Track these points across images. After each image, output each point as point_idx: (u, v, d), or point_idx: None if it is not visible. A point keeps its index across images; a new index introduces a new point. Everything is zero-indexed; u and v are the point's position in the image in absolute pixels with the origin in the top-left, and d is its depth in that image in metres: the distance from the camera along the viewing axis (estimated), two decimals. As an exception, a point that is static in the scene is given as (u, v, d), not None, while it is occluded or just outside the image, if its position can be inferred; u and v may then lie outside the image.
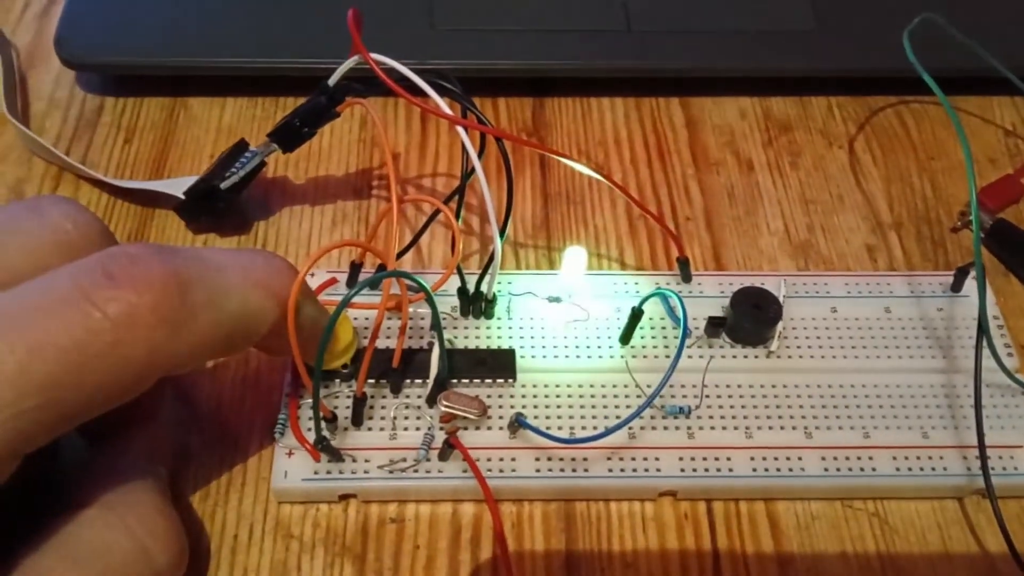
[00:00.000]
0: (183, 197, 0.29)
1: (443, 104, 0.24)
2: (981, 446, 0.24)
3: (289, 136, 0.27)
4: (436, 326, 0.24)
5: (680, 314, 0.25)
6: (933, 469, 0.25)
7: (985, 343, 0.25)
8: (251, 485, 0.25)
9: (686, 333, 0.25)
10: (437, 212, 0.27)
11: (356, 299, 0.26)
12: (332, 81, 0.26)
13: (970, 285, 0.28)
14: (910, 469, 0.25)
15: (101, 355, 0.18)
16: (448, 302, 0.27)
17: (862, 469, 0.25)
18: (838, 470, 0.25)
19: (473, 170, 0.24)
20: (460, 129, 0.24)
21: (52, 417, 0.17)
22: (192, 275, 0.19)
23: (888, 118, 0.34)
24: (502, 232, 0.25)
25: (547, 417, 0.25)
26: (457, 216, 0.25)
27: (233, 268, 0.20)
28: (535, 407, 0.25)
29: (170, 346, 0.19)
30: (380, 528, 0.24)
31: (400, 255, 0.28)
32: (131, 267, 0.18)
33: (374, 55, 0.24)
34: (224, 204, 0.29)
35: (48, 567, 0.19)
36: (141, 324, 0.18)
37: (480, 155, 0.25)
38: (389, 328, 0.27)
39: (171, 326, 0.18)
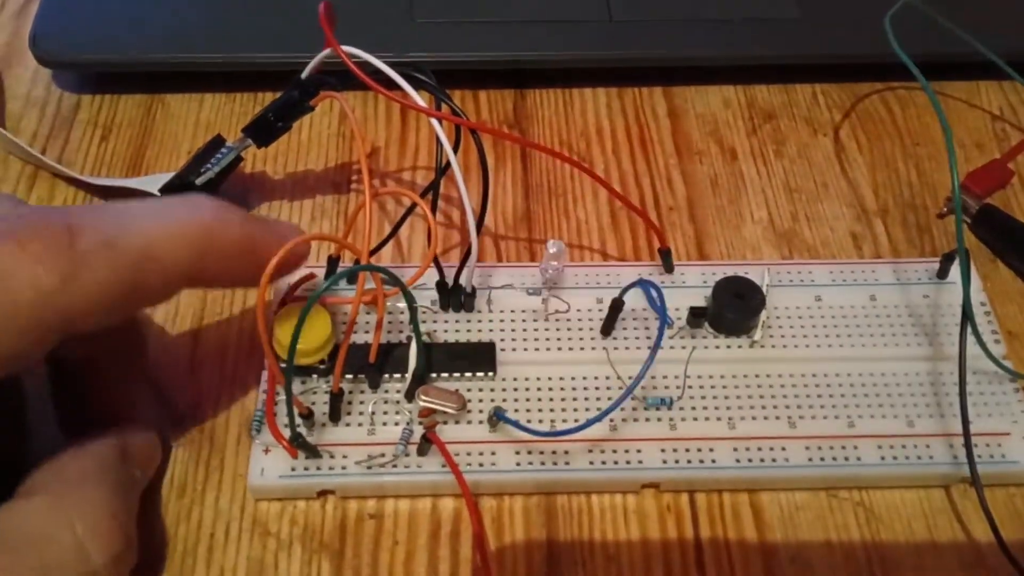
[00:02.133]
0: (158, 194, 0.28)
1: (417, 97, 0.24)
2: (966, 434, 0.24)
3: (263, 131, 0.27)
4: (413, 320, 0.24)
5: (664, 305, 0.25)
6: (919, 458, 0.24)
7: (970, 330, 0.24)
8: (228, 483, 0.25)
9: (666, 323, 0.24)
10: (414, 206, 0.27)
11: (335, 294, 0.26)
12: (305, 75, 0.26)
13: (956, 271, 0.27)
14: (895, 458, 0.24)
15: None
16: (428, 296, 0.27)
17: (847, 458, 0.24)
18: (822, 460, 0.24)
19: (448, 164, 0.24)
20: (434, 122, 0.24)
21: None
22: (84, 222, 0.19)
23: (873, 104, 0.34)
24: (479, 225, 0.25)
25: (527, 410, 0.25)
26: (433, 209, 0.24)
27: (139, 213, 0.20)
28: (515, 400, 0.25)
29: (63, 295, 0.18)
30: (358, 524, 0.24)
31: (377, 249, 0.28)
32: (18, 221, 0.18)
33: (347, 48, 0.24)
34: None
35: None
36: (25, 273, 0.18)
37: (456, 148, 0.25)
38: (368, 323, 0.26)
39: (59, 274, 0.18)
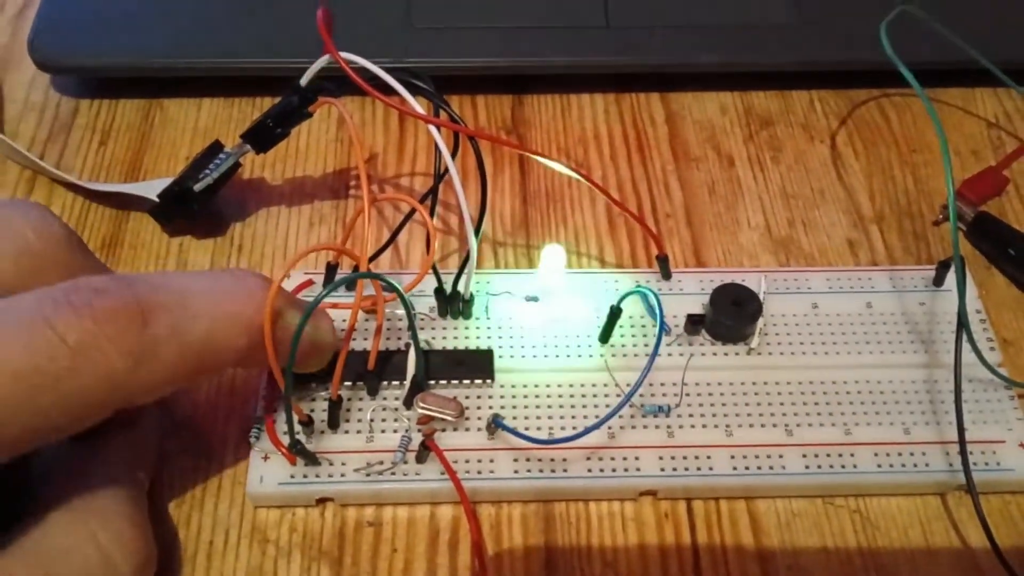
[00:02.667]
0: (157, 200, 0.28)
1: (415, 103, 0.24)
2: (962, 442, 0.24)
3: (262, 137, 0.27)
4: (411, 327, 0.24)
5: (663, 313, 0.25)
6: (915, 465, 0.25)
7: (966, 338, 0.24)
8: (227, 490, 0.25)
9: (664, 331, 0.25)
10: (413, 212, 0.27)
11: (335, 301, 0.26)
12: (304, 81, 0.26)
13: (952, 279, 0.28)
14: (891, 466, 0.24)
15: (58, 381, 0.18)
16: (427, 302, 0.27)
17: (843, 466, 0.24)
18: (819, 467, 0.24)
19: (447, 170, 0.24)
20: (432, 128, 0.24)
21: (7, 437, 0.18)
22: (156, 305, 0.19)
23: (870, 111, 0.34)
24: (477, 231, 0.25)
25: (526, 418, 0.25)
26: (431, 215, 0.25)
27: (200, 295, 0.20)
28: (514, 407, 0.25)
29: (131, 377, 0.19)
30: (357, 532, 0.24)
31: (376, 255, 0.28)
32: (94, 297, 0.18)
33: (346, 54, 0.24)
34: (198, 206, 0.28)
35: (9, 568, 0.19)
36: (100, 353, 0.18)
37: (455, 154, 0.25)
38: (367, 330, 0.26)
39: (132, 357, 0.19)
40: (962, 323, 0.24)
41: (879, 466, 0.24)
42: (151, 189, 0.29)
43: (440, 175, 0.25)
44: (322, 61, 0.25)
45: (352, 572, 0.23)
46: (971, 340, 0.25)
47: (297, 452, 0.23)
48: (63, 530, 0.20)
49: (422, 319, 0.26)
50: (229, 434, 0.25)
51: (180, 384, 0.20)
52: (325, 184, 0.31)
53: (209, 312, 0.20)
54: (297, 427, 0.24)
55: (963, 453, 0.24)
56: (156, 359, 0.19)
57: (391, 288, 0.23)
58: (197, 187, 0.28)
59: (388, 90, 0.24)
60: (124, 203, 0.30)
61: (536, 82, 0.34)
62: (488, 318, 0.27)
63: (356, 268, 0.25)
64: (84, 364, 0.18)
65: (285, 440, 0.23)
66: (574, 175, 0.25)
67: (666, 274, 0.28)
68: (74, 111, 0.33)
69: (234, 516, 0.24)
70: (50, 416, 0.18)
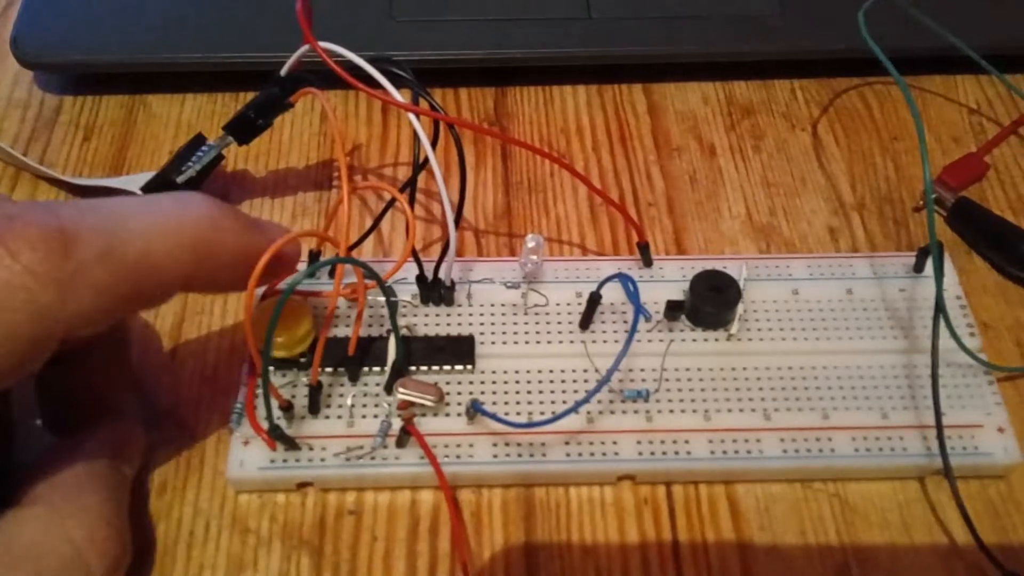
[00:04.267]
0: (140, 193, 0.29)
1: (396, 92, 0.24)
2: (939, 426, 0.24)
3: (244, 128, 0.27)
4: (391, 313, 0.24)
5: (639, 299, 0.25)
6: (892, 450, 0.25)
7: (944, 324, 0.25)
8: (208, 480, 0.25)
9: (639, 316, 0.25)
10: (393, 200, 0.27)
11: (317, 289, 0.26)
12: (284, 71, 0.26)
13: (932, 265, 0.28)
14: (869, 450, 0.25)
15: None
16: (409, 290, 0.27)
17: (821, 450, 0.24)
18: (797, 451, 0.24)
19: (427, 159, 0.24)
20: (411, 116, 0.24)
21: None
22: (80, 228, 0.18)
23: (851, 100, 0.34)
24: (457, 219, 0.25)
25: (506, 403, 0.25)
26: (411, 203, 0.25)
27: (134, 215, 0.19)
28: (494, 393, 0.25)
29: (61, 308, 0.18)
30: (338, 520, 0.24)
31: (357, 244, 0.28)
32: (8, 226, 0.17)
33: (325, 44, 0.24)
34: (181, 198, 0.28)
35: None
36: (19, 287, 0.17)
37: (435, 143, 0.25)
38: (349, 317, 0.26)
39: (57, 286, 0.17)
40: (940, 309, 0.24)
41: (857, 450, 0.25)
42: (134, 183, 0.29)
43: (420, 164, 0.25)
44: (302, 50, 0.25)
45: (332, 561, 0.23)
46: (949, 326, 0.25)
47: (276, 436, 0.23)
48: (39, 526, 0.20)
49: (404, 306, 0.27)
50: (211, 425, 0.26)
51: (119, 311, 0.19)
52: (308, 177, 0.31)
53: (144, 231, 0.19)
54: (277, 412, 0.24)
55: (940, 438, 0.24)
56: (86, 286, 0.18)
57: (371, 274, 0.23)
58: (180, 179, 0.28)
59: (369, 81, 0.24)
60: (108, 196, 0.30)
61: (518, 74, 0.34)
62: (470, 305, 0.27)
63: (337, 255, 0.25)
64: (7, 301, 0.17)
65: (265, 425, 0.23)
66: (556, 164, 0.26)
67: (647, 261, 0.28)
68: (57, 108, 0.33)
69: (215, 506, 0.24)
70: None
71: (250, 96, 0.32)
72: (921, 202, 0.31)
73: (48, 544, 0.19)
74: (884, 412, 0.25)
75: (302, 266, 0.27)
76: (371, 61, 0.24)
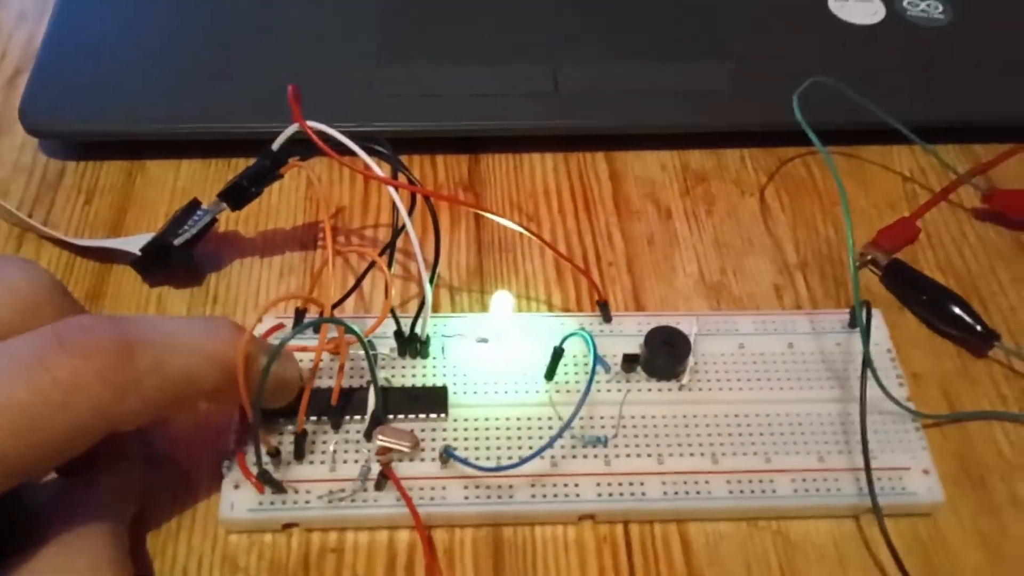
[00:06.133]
0: (139, 254, 0.31)
1: (377, 167, 0.26)
2: (867, 468, 0.26)
3: (237, 195, 0.30)
4: (369, 366, 0.26)
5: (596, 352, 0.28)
6: (828, 490, 0.27)
7: (871, 374, 0.27)
8: (200, 522, 0.27)
9: (596, 367, 0.27)
10: (373, 263, 0.29)
11: (303, 344, 0.28)
12: (275, 146, 0.28)
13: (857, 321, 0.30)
14: (807, 490, 0.27)
15: (50, 416, 0.20)
16: (388, 343, 0.29)
17: (764, 491, 0.27)
18: (742, 492, 0.27)
19: (404, 226, 0.27)
20: (391, 189, 0.26)
21: (2, 472, 0.19)
22: (138, 341, 0.21)
23: (796, 168, 0.37)
24: (431, 278, 0.27)
25: (476, 448, 0.27)
26: (389, 266, 0.27)
27: (179, 334, 0.22)
28: (466, 439, 0.27)
29: (115, 407, 0.21)
30: (320, 558, 0.26)
31: (340, 302, 0.30)
32: (81, 334, 0.20)
33: (313, 123, 0.27)
34: (177, 259, 0.31)
35: None
36: (87, 387, 0.20)
37: (412, 211, 0.27)
38: (332, 369, 0.29)
39: (116, 389, 0.20)
40: (866, 362, 0.27)
41: (796, 491, 0.27)
42: (134, 244, 0.31)
43: (398, 230, 0.27)
44: (292, 128, 0.27)
45: (316, 594, 0.25)
46: (876, 377, 0.27)
47: (265, 481, 0.25)
48: (50, 567, 0.22)
49: (383, 359, 0.29)
50: (203, 470, 0.27)
51: (159, 414, 0.22)
52: (295, 238, 0.34)
53: (187, 349, 0.22)
54: (265, 458, 0.26)
55: (869, 479, 0.26)
56: (139, 391, 0.21)
57: (351, 332, 0.25)
58: (177, 242, 0.30)
59: (354, 153, 0.27)
60: (107, 257, 0.32)
61: (491, 143, 0.37)
62: (444, 358, 0.29)
63: (322, 314, 0.28)
64: (74, 398, 0.20)
65: (254, 470, 0.26)
66: (521, 230, 0.28)
67: (607, 317, 0.30)
68: (61, 172, 0.35)
69: (207, 545, 0.26)
70: (44, 447, 0.20)
71: (242, 163, 0.35)
72: (858, 262, 0.33)
73: None
74: (821, 456, 0.28)
75: (286, 320, 0.29)
76: (355, 139, 0.27)
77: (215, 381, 0.23)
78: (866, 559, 0.27)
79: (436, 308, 0.32)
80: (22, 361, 0.20)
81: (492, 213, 0.28)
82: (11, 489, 0.20)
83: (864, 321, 0.28)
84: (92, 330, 0.21)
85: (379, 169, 0.26)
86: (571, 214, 0.35)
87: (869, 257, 0.34)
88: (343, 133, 0.26)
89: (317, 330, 0.29)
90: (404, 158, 0.28)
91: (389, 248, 0.27)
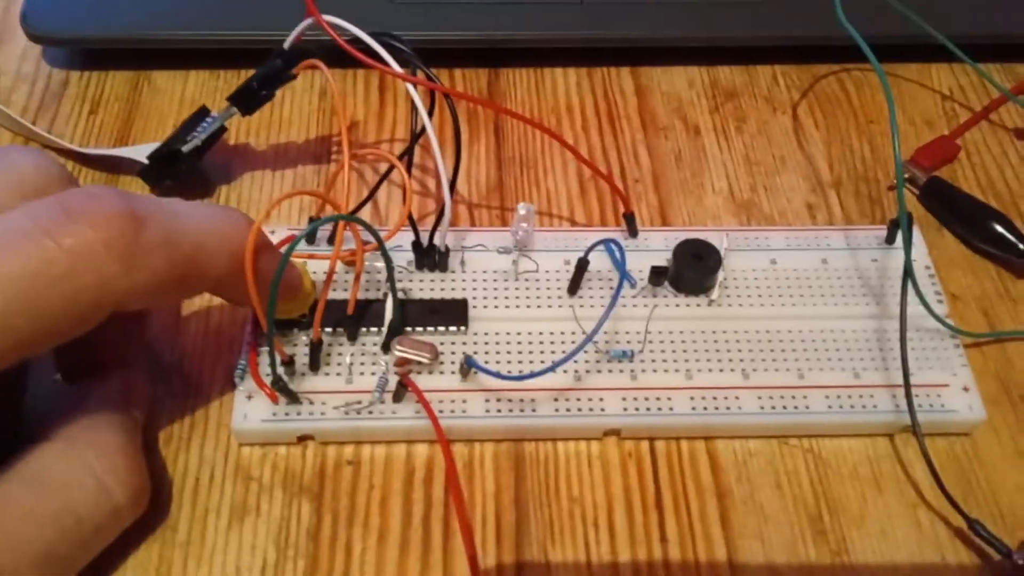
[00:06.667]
0: (146, 162, 0.30)
1: (394, 63, 0.25)
2: (907, 384, 0.25)
3: (247, 99, 0.28)
4: (388, 274, 0.25)
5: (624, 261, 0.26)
6: (864, 407, 0.26)
7: (912, 288, 0.26)
8: (212, 431, 0.26)
9: (626, 279, 0.26)
10: (391, 168, 0.28)
11: (317, 252, 0.27)
12: (287, 44, 0.27)
13: (902, 234, 0.29)
14: (841, 407, 0.26)
15: (54, 285, 0.18)
16: (405, 256, 0.28)
17: (796, 407, 0.26)
18: (773, 408, 0.26)
19: (423, 128, 0.25)
20: (409, 86, 0.25)
21: (6, 344, 0.18)
22: (149, 215, 0.20)
23: (830, 85, 0.35)
24: (452, 185, 0.26)
25: (497, 363, 0.26)
26: (408, 170, 0.26)
27: (190, 214, 0.21)
28: (486, 354, 0.26)
29: (122, 281, 0.19)
30: (337, 470, 0.25)
31: (356, 210, 0.29)
32: (89, 203, 0.19)
33: (327, 17, 0.26)
34: (186, 168, 0.30)
35: (10, 494, 0.20)
36: (94, 257, 0.19)
37: (431, 113, 0.26)
38: (348, 280, 0.28)
39: (124, 261, 0.19)
40: (908, 272, 0.26)
41: (830, 407, 0.26)
42: (140, 152, 0.30)
43: (417, 133, 0.26)
44: (306, 23, 0.26)
45: (331, 507, 0.25)
46: (917, 290, 0.26)
47: (279, 390, 0.24)
48: (60, 460, 0.21)
49: (400, 271, 0.28)
50: (215, 379, 0.27)
51: (164, 294, 0.21)
52: (308, 150, 0.32)
53: (197, 229, 0.21)
54: (280, 367, 0.25)
55: (908, 395, 0.25)
56: (147, 265, 0.20)
57: (372, 234, 0.24)
58: (185, 148, 0.29)
59: (369, 56, 0.25)
60: (114, 167, 0.31)
61: (512, 56, 0.35)
62: (463, 271, 0.28)
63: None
64: (80, 268, 0.19)
65: (268, 381, 0.25)
66: (546, 134, 0.27)
67: (633, 232, 0.29)
68: (64, 82, 0.34)
69: (219, 456, 0.25)
70: (48, 319, 0.19)
71: (252, 73, 0.34)
72: (895, 180, 0.32)
73: (71, 476, 0.21)
74: (856, 372, 0.26)
75: (299, 231, 0.28)
76: (372, 35, 0.25)
77: (223, 266, 0.22)
78: (901, 478, 0.26)
79: (455, 222, 0.31)
80: (26, 229, 0.19)
81: (514, 116, 0.27)
82: (12, 367, 0.19)
83: (907, 233, 0.26)
84: (101, 199, 0.19)
85: (397, 66, 0.25)
86: (595, 130, 0.34)
87: (907, 175, 0.32)
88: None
89: (331, 240, 0.28)
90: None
91: (408, 151, 0.26)
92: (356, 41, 0.25)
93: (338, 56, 0.25)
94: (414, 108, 0.25)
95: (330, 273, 0.24)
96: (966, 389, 0.26)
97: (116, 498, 0.21)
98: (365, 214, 0.30)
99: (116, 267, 0.19)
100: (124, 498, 0.21)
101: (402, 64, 0.25)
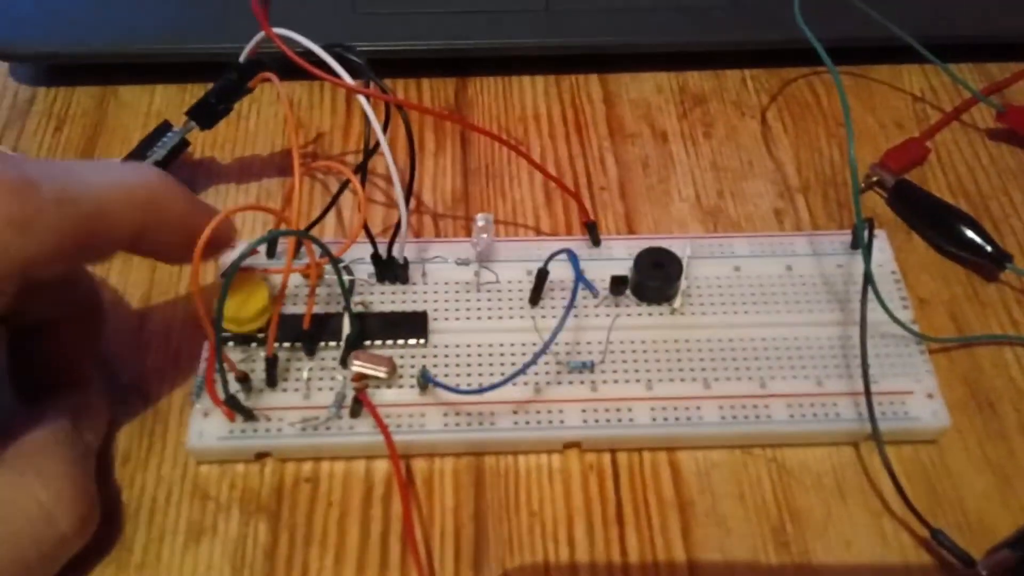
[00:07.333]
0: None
1: (346, 75, 0.25)
2: (867, 392, 0.25)
3: (206, 113, 0.28)
4: (341, 287, 0.25)
5: (585, 275, 0.26)
6: (827, 415, 0.26)
7: (873, 294, 0.26)
8: (171, 450, 0.26)
9: (579, 284, 0.25)
10: (348, 182, 0.28)
11: (273, 267, 0.27)
12: (242, 58, 0.27)
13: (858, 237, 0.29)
14: (804, 416, 0.26)
15: None
16: (366, 269, 0.28)
17: (758, 417, 0.26)
18: (735, 418, 0.25)
19: (378, 143, 0.25)
20: (361, 99, 0.25)
21: None
22: (39, 176, 0.19)
23: (799, 88, 0.35)
24: (407, 196, 0.26)
25: (458, 375, 0.26)
26: (362, 182, 0.26)
27: (88, 170, 0.21)
28: (446, 366, 0.26)
29: (21, 246, 0.19)
30: (295, 487, 0.25)
31: (315, 223, 0.29)
32: None
33: (279, 30, 0.25)
34: (147, 183, 0.29)
35: None
36: None
37: (386, 126, 0.26)
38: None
39: (16, 226, 0.19)
40: (867, 278, 0.26)
41: (792, 416, 0.26)
42: (102, 168, 0.30)
43: (370, 146, 0.26)
44: (258, 37, 0.26)
45: (289, 524, 0.24)
46: (877, 295, 0.26)
47: (233, 406, 0.24)
48: (5, 487, 0.21)
49: (360, 285, 0.28)
50: (174, 398, 0.27)
51: (72, 257, 0.21)
52: (272, 163, 0.32)
53: (98, 184, 0.20)
54: (235, 385, 0.25)
55: (869, 403, 0.25)
56: (44, 225, 0.19)
57: (322, 249, 0.24)
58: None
59: (328, 69, 0.25)
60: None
61: (478, 65, 0.35)
62: (424, 283, 0.28)
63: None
64: None
65: (223, 396, 0.24)
66: (504, 143, 0.27)
67: (595, 240, 0.29)
68: (31, 98, 0.34)
69: (176, 475, 0.25)
70: None
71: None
72: (863, 184, 0.32)
73: (16, 503, 0.20)
74: (819, 380, 0.26)
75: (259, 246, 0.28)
76: (325, 47, 0.25)
77: (135, 220, 0.21)
78: (865, 487, 0.25)
79: (419, 233, 0.31)
80: None
81: (473, 127, 0.26)
82: None
83: (865, 237, 0.26)
84: None
85: (349, 78, 0.25)
86: (562, 138, 0.33)
87: (875, 178, 0.32)
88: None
89: (272, 245, 0.28)
90: (388, 82, 0.27)
91: (362, 164, 0.26)
92: (311, 53, 0.25)
93: (296, 69, 0.25)
94: (367, 121, 0.25)
95: (282, 288, 0.24)
96: (930, 396, 0.26)
97: (61, 527, 0.21)
98: (329, 228, 0.30)
99: (9, 234, 0.19)
100: (70, 526, 0.21)
101: (356, 76, 0.25)
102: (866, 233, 0.27)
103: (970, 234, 0.30)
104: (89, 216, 0.20)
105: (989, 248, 0.29)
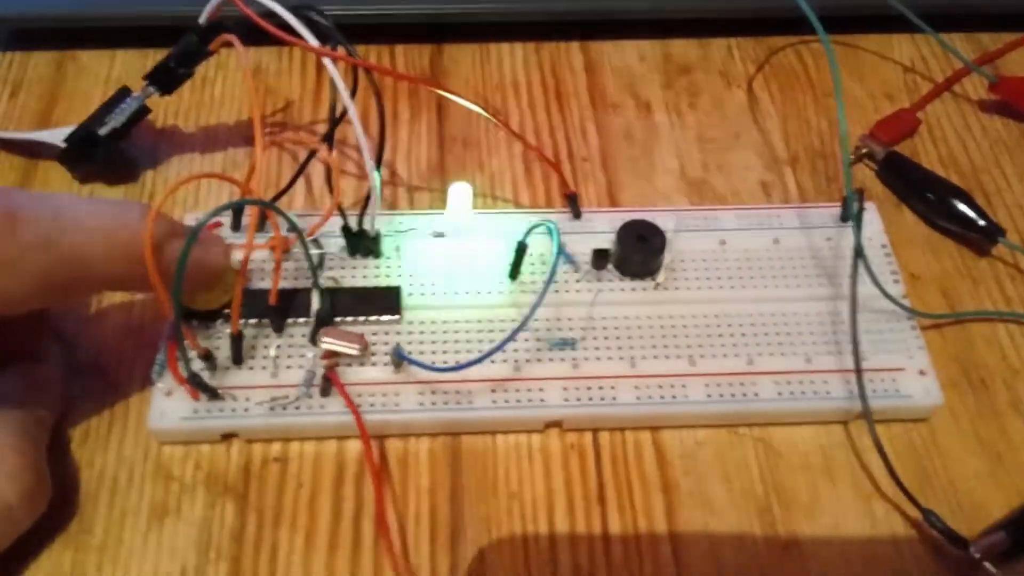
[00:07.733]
0: (64, 145, 0.28)
1: (309, 35, 0.23)
2: (858, 369, 0.24)
3: (165, 78, 0.27)
4: (308, 261, 0.24)
5: (565, 249, 0.25)
6: (816, 393, 0.25)
7: (864, 268, 0.25)
8: (132, 429, 0.25)
9: (559, 258, 0.24)
10: (313, 153, 0.27)
11: (238, 241, 0.26)
12: (202, 19, 0.25)
13: (848, 209, 0.28)
14: (792, 393, 0.25)
15: None
16: (338, 243, 0.27)
17: (745, 395, 0.25)
18: (721, 396, 0.25)
19: (346, 111, 0.24)
20: (328, 62, 0.24)
21: None
22: (24, 214, 0.19)
23: (787, 57, 0.34)
24: (377, 166, 0.24)
25: (433, 352, 0.25)
26: (330, 150, 0.24)
27: (74, 211, 0.20)
28: (421, 343, 0.25)
29: (2, 286, 0.19)
30: (263, 468, 0.24)
31: (280, 195, 0.27)
32: None
33: (243, -10, 0.24)
34: (105, 151, 0.28)
35: None
36: None
37: (354, 91, 0.25)
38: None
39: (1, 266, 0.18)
40: (858, 251, 0.25)
41: (780, 394, 0.25)
42: (58, 136, 0.29)
43: (336, 112, 0.25)
44: (220, -2, 0.24)
45: (257, 506, 0.23)
46: (868, 269, 0.25)
47: (196, 384, 0.23)
48: None
49: (331, 259, 0.26)
50: (135, 375, 0.25)
51: (51, 298, 0.20)
52: (239, 132, 0.31)
53: (82, 229, 0.20)
54: (199, 362, 0.23)
55: (859, 379, 0.24)
56: (22, 270, 0.19)
57: (287, 220, 0.23)
58: (103, 131, 0.28)
59: (293, 31, 0.24)
60: (33, 151, 0.30)
61: (455, 31, 0.34)
62: (398, 257, 0.27)
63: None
64: None
65: (185, 375, 0.23)
66: (480, 111, 0.25)
67: (576, 213, 0.28)
68: (-14, 63, 0.33)
69: (138, 455, 0.24)
70: None
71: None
72: (853, 156, 0.31)
73: None
74: (808, 357, 0.25)
75: (224, 218, 0.27)
76: (290, 9, 0.24)
77: (118, 269, 0.20)
78: (855, 467, 0.25)
79: (393, 206, 0.29)
80: None
81: (447, 91, 0.25)
82: None
83: (856, 208, 0.25)
84: None
85: (314, 39, 0.23)
86: (542, 108, 0.32)
87: (865, 150, 0.31)
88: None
89: (261, 227, 0.27)
90: (360, 49, 0.25)
91: (329, 133, 0.25)
92: (275, 15, 0.24)
93: (260, 32, 0.24)
94: (333, 86, 0.24)
95: (244, 262, 0.23)
96: (922, 373, 0.25)
97: (7, 497, 0.20)
98: (299, 200, 0.29)
99: None
100: (16, 497, 0.21)
101: (323, 39, 0.24)
102: (856, 204, 0.26)
103: (962, 207, 0.29)
104: (69, 265, 0.20)
105: (981, 222, 0.28)
